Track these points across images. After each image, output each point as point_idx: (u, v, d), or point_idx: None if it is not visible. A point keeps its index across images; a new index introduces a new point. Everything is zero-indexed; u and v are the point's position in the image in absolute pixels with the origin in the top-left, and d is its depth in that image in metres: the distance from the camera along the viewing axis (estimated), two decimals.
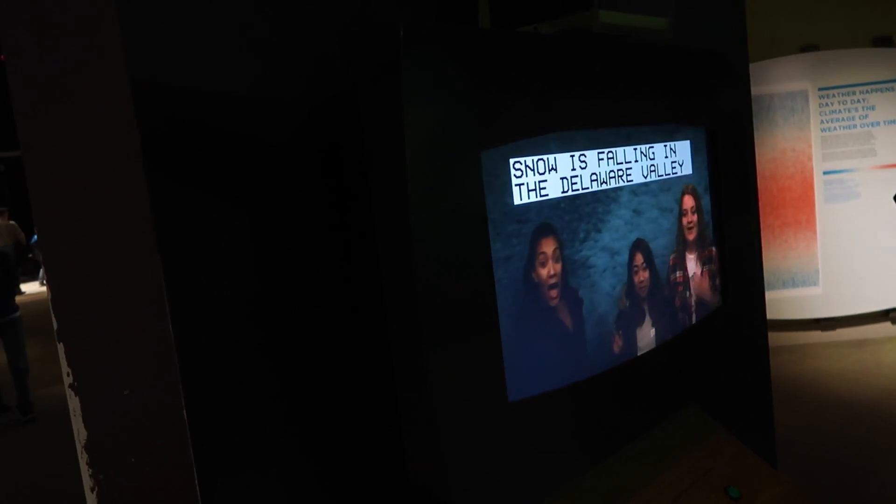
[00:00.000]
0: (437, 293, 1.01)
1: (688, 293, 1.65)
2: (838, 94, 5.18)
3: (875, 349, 5.01)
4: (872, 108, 5.17)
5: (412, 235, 0.98)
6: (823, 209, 5.23)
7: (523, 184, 1.17)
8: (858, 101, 5.17)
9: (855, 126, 5.19)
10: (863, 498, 3.00)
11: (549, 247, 1.22)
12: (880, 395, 4.16)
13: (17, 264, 5.69)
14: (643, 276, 1.47)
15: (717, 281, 1.77)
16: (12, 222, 6.97)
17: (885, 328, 5.28)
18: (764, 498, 1.55)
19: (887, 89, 5.13)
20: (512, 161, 1.15)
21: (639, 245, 1.45)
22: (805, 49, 5.26)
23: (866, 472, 3.24)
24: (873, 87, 5.14)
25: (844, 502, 2.96)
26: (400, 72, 0.97)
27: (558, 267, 1.24)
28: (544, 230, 1.21)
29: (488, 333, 1.09)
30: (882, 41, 5.23)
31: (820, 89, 5.18)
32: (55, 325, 1.00)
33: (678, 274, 1.60)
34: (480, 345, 1.09)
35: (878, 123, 5.17)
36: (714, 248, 1.75)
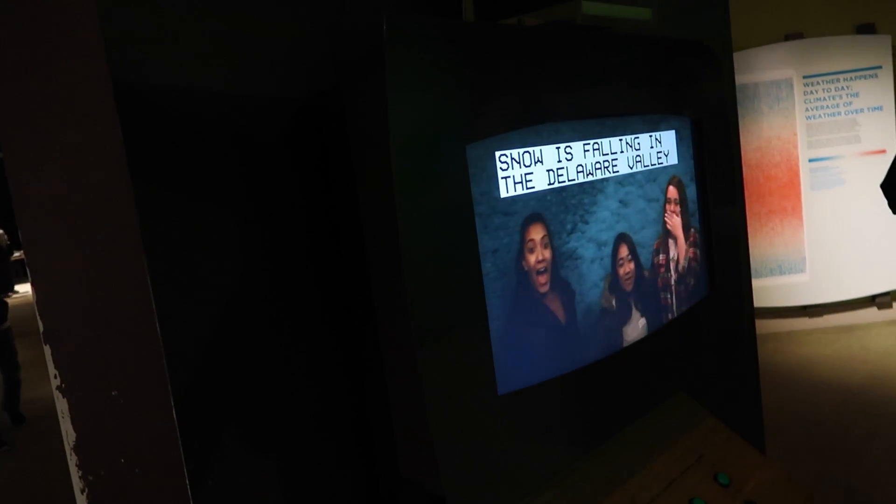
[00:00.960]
0: (426, 287, 1.01)
1: (674, 282, 1.66)
2: (822, 81, 5.21)
3: (862, 335, 5.07)
4: (856, 94, 5.20)
5: (399, 231, 0.98)
6: (809, 196, 5.27)
7: (509, 176, 1.17)
8: (843, 88, 5.20)
9: (839, 113, 5.22)
10: (850, 482, 3.04)
11: (537, 234, 1.23)
12: (867, 380, 4.21)
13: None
14: (628, 268, 1.47)
15: (705, 270, 1.78)
16: None
17: (871, 314, 5.33)
18: (753, 484, 1.56)
19: (871, 76, 5.16)
20: (498, 154, 1.15)
21: (623, 238, 1.46)
22: (789, 37, 5.28)
23: (853, 456, 3.28)
24: (857, 73, 5.18)
25: (832, 486, 2.99)
26: (384, 66, 0.96)
27: (547, 253, 1.24)
28: (532, 219, 1.21)
29: (477, 327, 1.10)
30: (865, 28, 5.26)
31: (805, 77, 5.21)
32: (41, 328, 1.00)
33: (663, 261, 1.61)
34: (470, 339, 1.09)
35: (862, 110, 5.21)
36: (700, 237, 1.76)
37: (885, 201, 2.92)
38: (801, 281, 5.30)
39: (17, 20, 0.95)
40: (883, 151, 5.14)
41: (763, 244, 5.30)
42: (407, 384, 1.07)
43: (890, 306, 5.30)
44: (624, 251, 1.46)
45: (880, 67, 5.15)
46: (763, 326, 5.09)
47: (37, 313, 0.99)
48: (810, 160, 5.27)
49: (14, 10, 0.95)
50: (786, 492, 1.62)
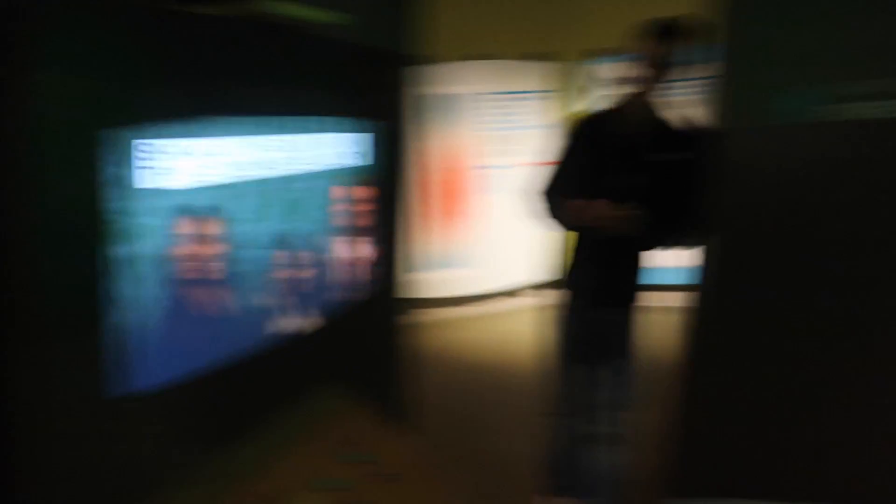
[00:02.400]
0: (34, 285, 0.92)
1: (334, 278, 1.74)
2: (492, 98, 5.92)
3: (501, 322, 5.89)
4: (522, 113, 6.01)
5: (14, 221, 0.88)
6: (475, 200, 5.93)
7: (152, 168, 1.12)
8: (507, 105, 5.96)
9: (502, 128, 5.98)
10: (481, 448, 3.53)
11: (187, 229, 1.20)
12: (499, 360, 4.93)
13: None
14: (286, 272, 1.51)
15: (366, 266, 1.90)
16: None
17: (510, 303, 6.22)
18: (398, 459, 1.68)
19: (528, 98, 6.03)
20: (139, 143, 1.09)
21: (282, 239, 1.49)
22: (470, 58, 5.87)
23: (484, 425, 3.83)
24: (525, 95, 5.99)
25: (467, 453, 3.44)
26: (26, 40, 0.85)
27: (198, 249, 1.22)
28: (182, 212, 1.18)
29: (92, 326, 1.03)
30: (536, 56, 6.09)
31: (490, 94, 5.86)
32: None
33: (324, 260, 1.69)
34: (80, 339, 1.02)
35: (520, 128, 6.03)
36: (366, 236, 1.87)
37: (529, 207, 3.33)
38: (455, 275, 5.97)
39: None
40: (536, 164, 5.99)
41: (432, 241, 5.83)
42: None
43: (521, 296, 6.25)
44: (282, 254, 1.49)
45: (546, 91, 6.02)
46: (418, 316, 5.58)
47: None
48: (482, 168, 5.94)
49: None
50: (427, 462, 1.77)
